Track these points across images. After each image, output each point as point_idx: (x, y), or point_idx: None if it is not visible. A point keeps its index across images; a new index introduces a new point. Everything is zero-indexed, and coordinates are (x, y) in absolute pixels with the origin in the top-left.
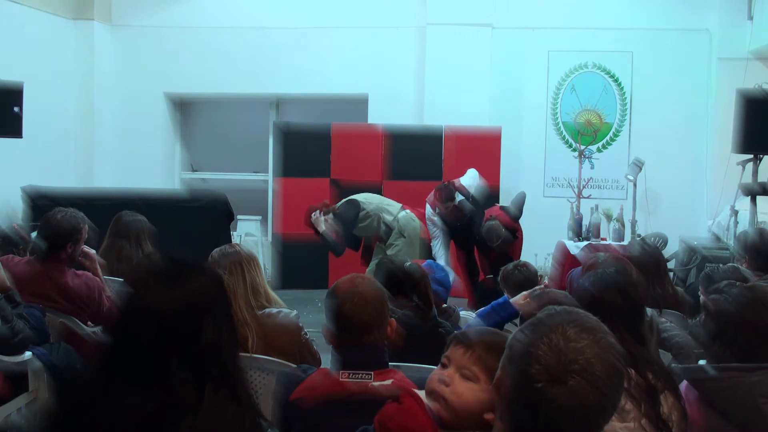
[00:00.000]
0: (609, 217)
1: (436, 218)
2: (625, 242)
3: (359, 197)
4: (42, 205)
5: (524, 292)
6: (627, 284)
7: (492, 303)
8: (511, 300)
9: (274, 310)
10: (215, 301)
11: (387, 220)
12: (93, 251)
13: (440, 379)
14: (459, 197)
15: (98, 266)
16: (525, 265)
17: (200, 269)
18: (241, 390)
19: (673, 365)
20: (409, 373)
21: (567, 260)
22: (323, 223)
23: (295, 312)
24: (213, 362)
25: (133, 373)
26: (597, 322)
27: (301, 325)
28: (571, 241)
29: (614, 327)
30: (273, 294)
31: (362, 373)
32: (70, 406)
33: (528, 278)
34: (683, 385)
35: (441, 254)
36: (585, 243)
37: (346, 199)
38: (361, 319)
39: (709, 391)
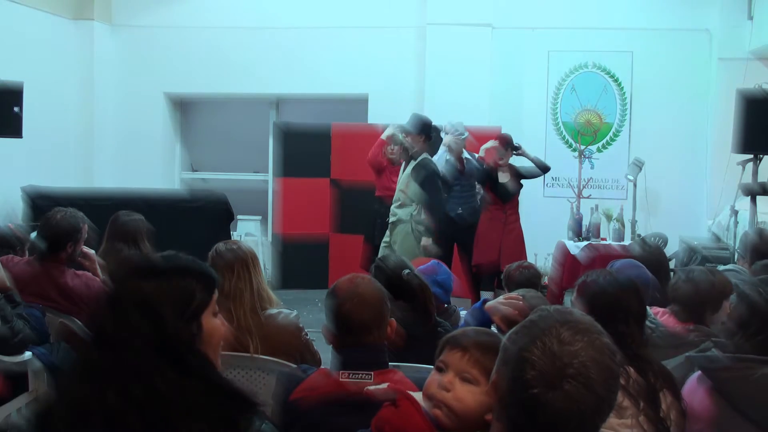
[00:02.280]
0: (609, 217)
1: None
2: (626, 242)
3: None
4: (42, 204)
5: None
6: (640, 286)
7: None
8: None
9: (275, 311)
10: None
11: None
12: (92, 252)
13: (440, 385)
14: (467, 154)
15: (98, 266)
16: (529, 266)
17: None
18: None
19: (687, 353)
20: (409, 373)
21: (567, 260)
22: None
23: (294, 312)
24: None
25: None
26: (591, 322)
27: (301, 325)
28: (571, 241)
29: (627, 327)
30: (272, 294)
31: (362, 374)
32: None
33: (529, 279)
34: (696, 374)
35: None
36: (585, 243)
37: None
38: (360, 320)
39: (721, 381)
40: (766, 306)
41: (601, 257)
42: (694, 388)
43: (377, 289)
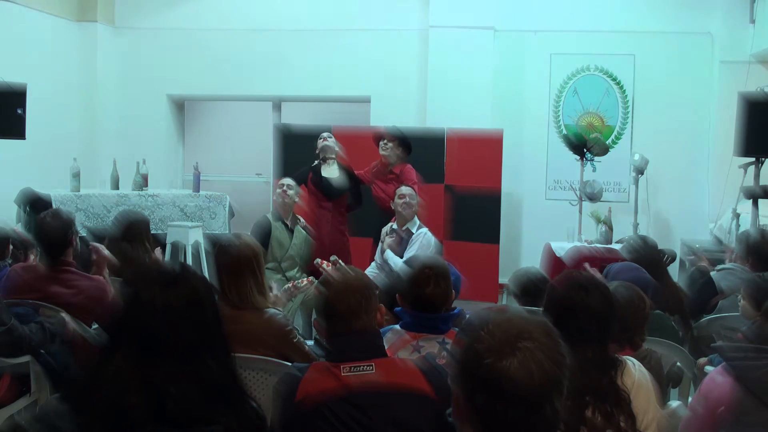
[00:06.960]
0: (597, 219)
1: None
2: (612, 245)
3: None
4: (38, 207)
5: None
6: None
7: None
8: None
9: (263, 310)
10: (203, 300)
11: None
12: (100, 246)
13: None
14: None
15: (105, 262)
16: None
17: (191, 273)
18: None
19: (713, 344)
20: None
21: (552, 262)
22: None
23: (281, 313)
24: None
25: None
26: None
27: (289, 328)
28: (557, 243)
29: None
30: (268, 295)
31: (363, 365)
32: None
33: (536, 284)
34: (720, 362)
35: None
36: (571, 245)
37: None
38: (347, 305)
39: (743, 370)
40: None
41: (585, 259)
42: (717, 375)
43: (361, 276)
